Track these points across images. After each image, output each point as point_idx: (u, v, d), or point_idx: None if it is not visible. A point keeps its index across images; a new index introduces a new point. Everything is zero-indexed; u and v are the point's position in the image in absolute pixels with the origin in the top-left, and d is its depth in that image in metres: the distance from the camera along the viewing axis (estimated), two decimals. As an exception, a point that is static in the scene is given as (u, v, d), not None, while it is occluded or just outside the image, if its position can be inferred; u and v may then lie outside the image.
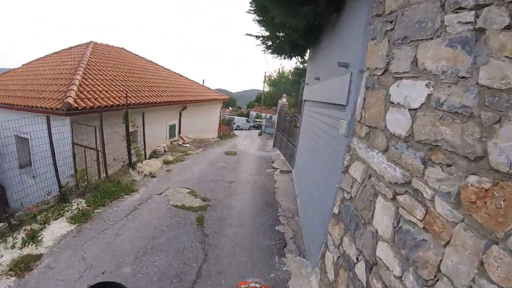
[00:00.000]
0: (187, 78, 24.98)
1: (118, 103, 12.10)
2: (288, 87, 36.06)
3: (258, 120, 54.67)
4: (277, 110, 22.23)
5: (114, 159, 11.62)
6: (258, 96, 79.57)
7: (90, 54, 16.31)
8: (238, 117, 51.23)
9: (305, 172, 9.15)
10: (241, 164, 14.77)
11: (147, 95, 15.37)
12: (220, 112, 26.46)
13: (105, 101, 11.81)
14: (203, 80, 40.16)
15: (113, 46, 21.29)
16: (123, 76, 16.16)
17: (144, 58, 23.34)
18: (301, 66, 37.23)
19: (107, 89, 13.04)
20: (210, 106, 24.33)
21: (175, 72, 24.55)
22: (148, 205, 8.99)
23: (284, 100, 20.50)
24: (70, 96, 10.47)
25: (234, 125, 44.02)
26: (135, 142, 13.93)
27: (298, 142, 12.72)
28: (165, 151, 16.77)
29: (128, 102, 12.48)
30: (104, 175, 10.82)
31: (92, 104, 10.86)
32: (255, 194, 10.26)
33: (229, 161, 15.18)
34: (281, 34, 10.25)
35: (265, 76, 45.60)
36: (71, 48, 18.84)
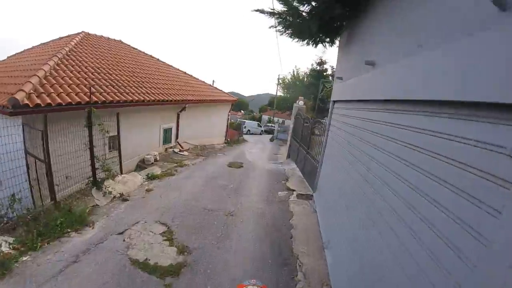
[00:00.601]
0: (191, 75, 21.70)
1: (85, 100, 8.82)
2: (303, 90, 32.59)
3: (270, 124, 51.13)
4: (293, 114, 18.81)
5: (66, 177, 8.29)
6: (270, 99, 76.17)
7: (75, 44, 13.53)
8: (249, 121, 47.72)
9: (339, 204, 5.95)
10: (247, 182, 11.31)
11: (132, 91, 12.08)
12: (228, 115, 23.09)
13: (71, 97, 8.59)
14: (213, 81, 37.09)
15: (108, 38, 18.23)
16: (108, 69, 12.95)
17: (143, 53, 20.17)
18: (318, 68, 33.78)
19: (79, 83, 9.89)
20: (217, 108, 21.02)
21: (177, 69, 21.30)
22: (95, 255, 5.71)
23: (301, 103, 17.10)
24: (23, 90, 7.56)
25: (244, 129, 40.64)
26: (115, 150, 10.74)
27: (323, 156, 9.30)
28: (155, 160, 13.47)
29: (97, 99, 9.20)
30: (50, 200, 7.54)
31: (53, 101, 7.87)
32: (262, 239, 6.77)
33: (232, 177, 11.74)
34: (306, 7, 7.01)
35: (278, 79, 41.95)
36: (60, 38, 15.86)
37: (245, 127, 41.07)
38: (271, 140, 35.21)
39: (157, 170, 11.75)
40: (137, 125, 12.74)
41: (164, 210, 7.96)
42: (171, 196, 9.04)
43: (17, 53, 15.92)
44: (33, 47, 16.00)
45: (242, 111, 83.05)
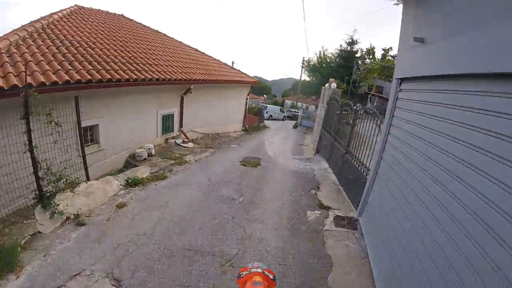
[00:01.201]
0: (203, 53, 18.41)
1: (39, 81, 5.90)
2: (331, 73, 28.72)
3: (293, 110, 47.32)
4: (322, 99, 15.37)
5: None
6: (294, 84, 72.01)
7: (60, 18, 11.10)
8: (272, 106, 44.05)
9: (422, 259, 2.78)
10: (263, 192, 8.09)
11: (116, 68, 9.07)
12: (247, 99, 19.74)
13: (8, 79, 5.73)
14: (232, 62, 33.68)
15: (107, 12, 15.26)
16: (92, 42, 10.04)
17: (147, 27, 17.05)
18: (348, 48, 29.72)
19: (42, 60, 7.12)
20: (233, 90, 17.73)
21: (187, 45, 18.06)
22: None
23: (334, 85, 13.57)
24: None
25: (266, 114, 37.24)
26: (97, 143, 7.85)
27: (379, 165, 6.03)
28: (150, 155, 10.50)
29: (44, 80, 6.21)
30: None
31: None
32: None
33: (244, 184, 8.56)
34: None
35: (303, 61, 37.83)
36: (51, 14, 12.96)
37: (266, 112, 37.67)
38: (295, 127, 31.74)
39: (143, 172, 8.71)
40: (125, 112, 9.75)
41: (127, 250, 4.91)
42: (147, 219, 5.99)
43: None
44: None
45: (264, 95, 79.34)
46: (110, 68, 8.75)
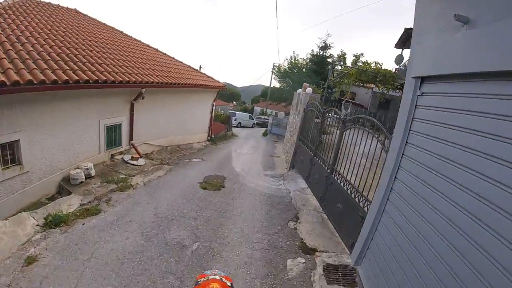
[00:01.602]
0: (165, 54, 16.25)
1: None
2: (303, 78, 27.27)
3: (263, 116, 45.64)
4: (296, 106, 13.69)
5: None
6: (264, 90, 70.64)
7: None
8: (241, 112, 42.09)
9: None
10: (226, 230, 6.11)
11: (44, 66, 6.84)
12: (213, 105, 17.64)
13: None
14: (200, 67, 31.54)
15: (58, 6, 13.01)
16: (28, 37, 7.81)
17: (103, 24, 14.77)
18: (321, 53, 28.44)
19: None
20: (197, 96, 15.64)
21: (147, 45, 15.86)
22: None
23: (309, 90, 11.87)
24: None
25: (235, 121, 35.29)
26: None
27: (389, 193, 4.36)
28: (90, 176, 8.33)
29: None
30: None
31: None
32: None
33: (202, 217, 6.55)
34: None
35: (273, 66, 36.26)
36: None
37: (235, 119, 35.72)
38: (264, 134, 29.96)
39: (71, 203, 6.51)
40: (57, 123, 7.52)
41: None
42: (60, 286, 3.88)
43: None
44: None
45: (234, 102, 77.50)
46: (35, 67, 6.52)
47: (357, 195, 5.49)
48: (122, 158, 10.13)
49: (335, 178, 6.72)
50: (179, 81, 12.52)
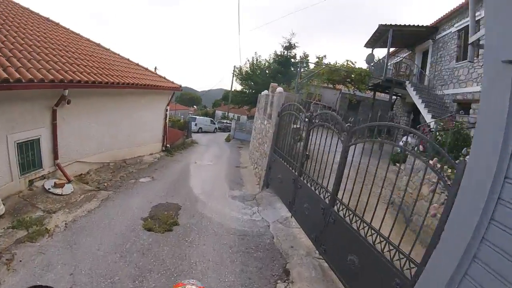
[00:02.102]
0: (107, 49, 13.49)
1: None
2: (267, 80, 25.34)
3: (225, 121, 43.25)
4: (265, 109, 11.69)
5: None
6: (225, 94, 68.20)
7: None
8: (201, 117, 39.28)
9: None
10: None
11: None
12: (167, 110, 15.01)
13: None
14: (155, 68, 28.70)
15: None
16: None
17: (34, 13, 11.79)
18: (286, 53, 26.61)
19: None
20: (147, 99, 13.05)
21: (85, 38, 13.01)
22: None
23: (280, 89, 9.83)
24: None
25: (195, 126, 32.63)
26: None
27: (470, 263, 2.11)
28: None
29: None
30: None
31: None
32: None
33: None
34: None
35: (234, 69, 34.03)
36: None
37: (196, 124, 33.09)
38: (227, 140, 27.68)
39: None
40: None
41: None
42: None
43: None
44: None
45: (195, 106, 74.41)
46: None
47: (388, 249, 3.43)
48: (43, 185, 7.44)
49: (340, 213, 4.63)
50: (120, 80, 9.94)
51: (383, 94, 19.48)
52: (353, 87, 16.46)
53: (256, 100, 29.66)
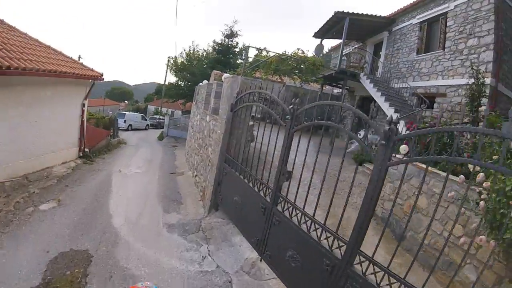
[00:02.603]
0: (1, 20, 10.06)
1: None
2: (204, 70, 22.78)
3: (157, 116, 39.32)
4: (206, 102, 9.55)
5: None
6: (158, 87, 63.47)
7: None
8: (131, 113, 34.75)
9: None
10: None
11: None
12: (84, 105, 11.73)
13: None
14: (79, 57, 24.48)
15: None
16: None
17: None
18: (226, 41, 24.17)
19: None
20: (53, 90, 9.91)
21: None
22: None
23: (227, 75, 7.63)
24: None
25: (124, 124, 28.81)
26: None
27: None
28: None
29: None
30: None
31: None
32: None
33: None
34: None
35: (169, 60, 30.52)
36: None
37: (125, 121, 29.20)
38: (160, 138, 24.64)
39: None
40: None
41: None
42: None
43: None
44: None
45: (126, 101, 68.40)
46: None
47: None
48: None
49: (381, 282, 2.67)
50: (7, 63, 6.90)
51: (328, 87, 18.31)
52: (300, 80, 14.81)
53: (193, 93, 26.89)
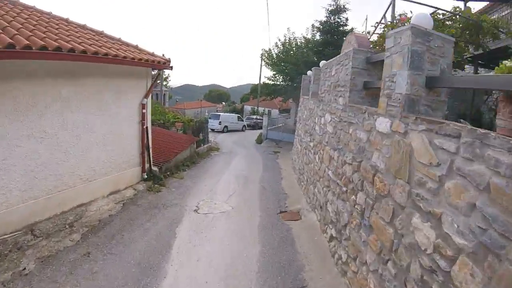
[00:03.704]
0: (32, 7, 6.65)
1: None
2: (308, 58, 17.61)
3: (254, 116, 35.44)
4: (333, 92, 4.32)
5: None
6: (253, 87, 60.66)
7: None
8: (226, 113, 31.41)
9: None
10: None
11: None
12: (143, 106, 7.72)
13: None
14: (164, 56, 21.83)
15: None
16: None
17: None
18: (332, 18, 18.64)
19: None
20: (106, 84, 6.12)
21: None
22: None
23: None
24: None
25: (219, 125, 25.57)
26: None
27: None
28: None
29: None
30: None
31: None
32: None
33: None
34: None
35: (263, 53, 25.96)
36: None
37: (220, 122, 25.91)
38: (259, 141, 20.24)
39: None
40: None
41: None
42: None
43: None
44: None
45: (223, 102, 67.70)
46: None
47: None
48: None
49: None
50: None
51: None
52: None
53: (293, 89, 21.04)
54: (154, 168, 8.11)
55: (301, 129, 10.43)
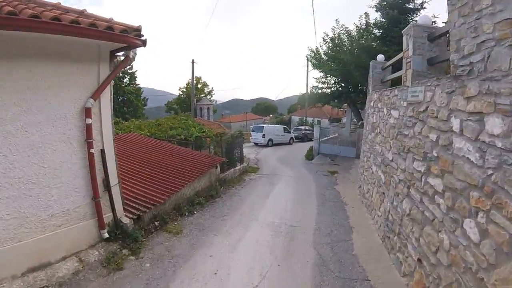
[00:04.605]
0: None
1: None
2: (371, 49, 13.37)
3: (302, 127, 30.95)
4: None
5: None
6: (300, 97, 56.60)
7: None
8: (270, 125, 27.50)
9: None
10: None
11: None
12: (88, 111, 4.23)
13: None
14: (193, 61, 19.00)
15: None
16: None
17: None
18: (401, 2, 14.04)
19: None
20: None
21: None
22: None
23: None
24: None
25: (263, 139, 22.03)
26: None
27: None
28: None
29: None
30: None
31: None
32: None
33: None
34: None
35: (309, 52, 21.43)
36: None
37: (263, 135, 22.30)
38: (309, 157, 16.25)
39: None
40: None
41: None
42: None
43: None
44: None
45: (270, 115, 64.64)
46: None
47: None
48: None
49: None
50: None
51: None
52: None
53: (347, 91, 16.72)
54: (125, 220, 4.67)
55: (374, 142, 6.38)
